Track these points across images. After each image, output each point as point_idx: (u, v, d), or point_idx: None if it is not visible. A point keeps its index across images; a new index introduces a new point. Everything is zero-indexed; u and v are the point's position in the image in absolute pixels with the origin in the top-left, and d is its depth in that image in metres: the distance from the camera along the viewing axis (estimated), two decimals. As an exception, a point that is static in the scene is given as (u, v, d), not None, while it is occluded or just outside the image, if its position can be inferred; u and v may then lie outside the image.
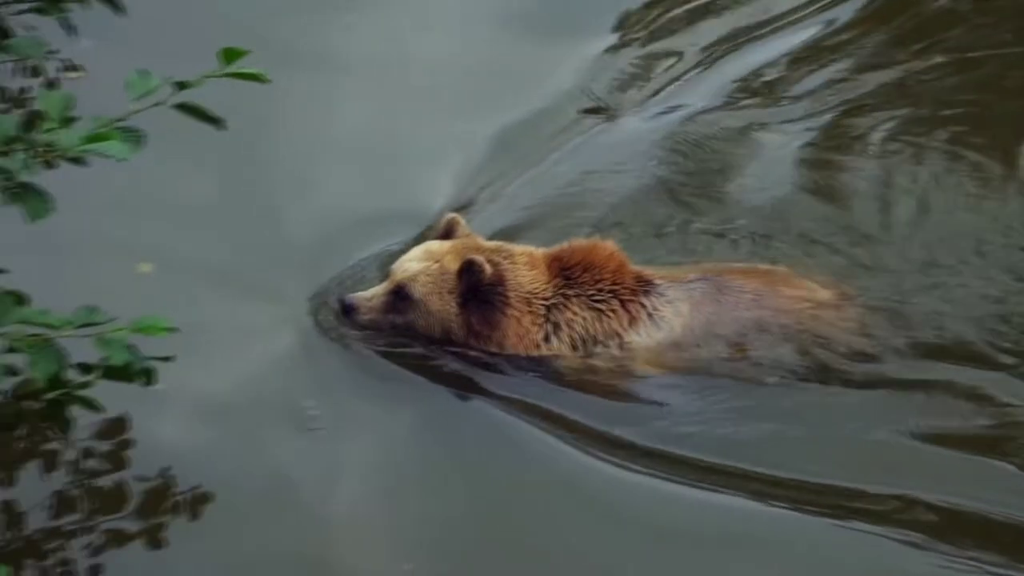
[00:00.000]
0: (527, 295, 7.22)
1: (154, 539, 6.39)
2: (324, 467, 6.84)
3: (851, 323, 7.37)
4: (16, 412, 5.41)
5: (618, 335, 7.23)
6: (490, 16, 9.97)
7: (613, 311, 7.22)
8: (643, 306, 7.22)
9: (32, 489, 6.53)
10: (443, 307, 7.17)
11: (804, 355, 7.27)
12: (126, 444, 6.73)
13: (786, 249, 8.00)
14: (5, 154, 4.80)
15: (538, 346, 7.23)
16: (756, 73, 9.83)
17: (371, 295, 7.26)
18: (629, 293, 7.23)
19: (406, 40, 9.68)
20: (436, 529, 6.62)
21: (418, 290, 7.18)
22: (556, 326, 7.22)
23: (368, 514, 6.69)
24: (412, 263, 7.22)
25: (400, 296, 7.21)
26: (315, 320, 7.51)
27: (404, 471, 6.91)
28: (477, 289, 7.14)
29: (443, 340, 7.26)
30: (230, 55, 4.83)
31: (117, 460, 6.67)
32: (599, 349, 7.23)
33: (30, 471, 6.61)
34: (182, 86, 4.86)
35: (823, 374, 7.26)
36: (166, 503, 6.52)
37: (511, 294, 7.18)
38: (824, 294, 7.41)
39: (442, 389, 7.29)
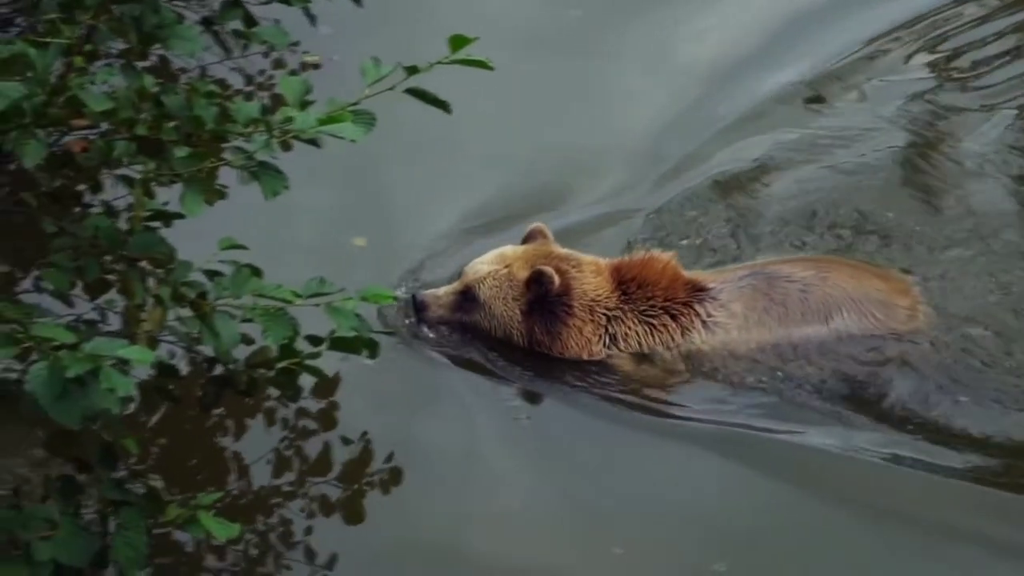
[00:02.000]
0: (590, 304, 7.35)
1: (355, 505, 6.68)
2: (519, 453, 7.06)
3: (905, 320, 7.38)
4: (250, 379, 5.60)
5: (670, 348, 7.33)
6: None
7: (664, 326, 7.32)
8: (697, 314, 7.31)
9: (259, 448, 6.87)
10: (507, 312, 7.34)
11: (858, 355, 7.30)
12: (334, 411, 7.05)
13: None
14: (247, 136, 5.02)
15: (599, 354, 7.36)
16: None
17: (442, 293, 7.44)
18: (681, 305, 7.32)
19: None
20: (637, 514, 6.77)
21: (484, 292, 7.34)
22: (613, 338, 7.35)
23: (570, 501, 6.87)
24: (483, 265, 7.41)
25: (467, 296, 7.38)
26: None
27: (601, 460, 7.08)
28: (544, 299, 7.27)
29: (505, 341, 7.41)
30: (457, 42, 4.98)
31: (327, 424, 6.99)
32: (657, 359, 7.33)
33: (257, 430, 6.96)
34: (412, 72, 5.02)
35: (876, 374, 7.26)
36: (366, 472, 6.80)
37: (575, 304, 7.33)
38: (876, 284, 7.42)
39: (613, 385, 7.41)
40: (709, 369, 7.32)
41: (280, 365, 5.50)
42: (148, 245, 5.22)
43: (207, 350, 5.46)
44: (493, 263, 7.43)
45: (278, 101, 5.23)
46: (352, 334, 5.31)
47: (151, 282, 5.22)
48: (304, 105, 5.05)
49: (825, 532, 6.66)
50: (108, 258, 5.26)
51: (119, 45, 5.34)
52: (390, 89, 5.03)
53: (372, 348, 5.50)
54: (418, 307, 7.44)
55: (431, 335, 7.43)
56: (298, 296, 5.28)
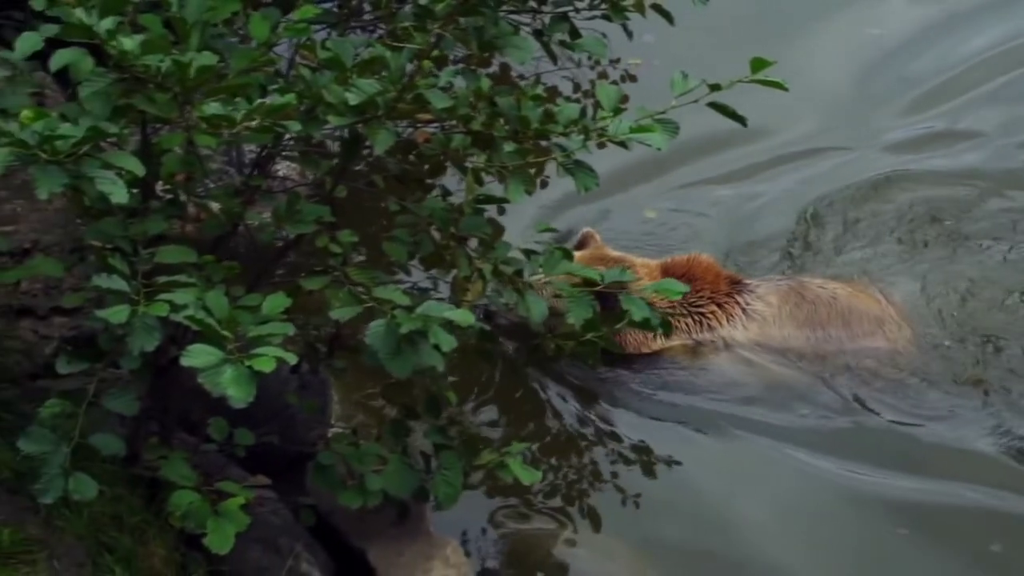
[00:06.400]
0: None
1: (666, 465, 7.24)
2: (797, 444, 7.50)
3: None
4: (557, 347, 6.12)
5: (718, 333, 7.66)
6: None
7: (712, 313, 7.66)
8: (738, 303, 7.67)
9: (560, 409, 7.50)
10: None
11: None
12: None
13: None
14: (567, 135, 5.40)
15: (654, 348, 7.64)
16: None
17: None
18: (724, 296, 7.68)
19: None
20: (921, 500, 7.16)
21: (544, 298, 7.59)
22: (667, 336, 7.45)
23: (847, 490, 7.28)
24: (540, 272, 7.60)
25: None
26: None
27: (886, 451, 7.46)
28: (599, 299, 7.51)
29: None
30: (757, 64, 5.28)
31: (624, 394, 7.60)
32: (706, 347, 7.64)
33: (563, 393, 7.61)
34: (714, 88, 5.34)
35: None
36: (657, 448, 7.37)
37: None
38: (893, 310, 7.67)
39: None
40: (744, 357, 7.70)
41: (582, 339, 5.99)
42: (475, 226, 5.76)
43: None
44: None
45: (596, 106, 5.64)
46: (644, 319, 5.80)
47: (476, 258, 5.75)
48: (617, 111, 5.38)
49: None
50: (440, 235, 5.79)
51: (462, 51, 5.74)
52: (694, 102, 5.34)
53: (666, 327, 6.02)
54: (488, 316, 7.64)
55: None
56: (601, 279, 5.82)
